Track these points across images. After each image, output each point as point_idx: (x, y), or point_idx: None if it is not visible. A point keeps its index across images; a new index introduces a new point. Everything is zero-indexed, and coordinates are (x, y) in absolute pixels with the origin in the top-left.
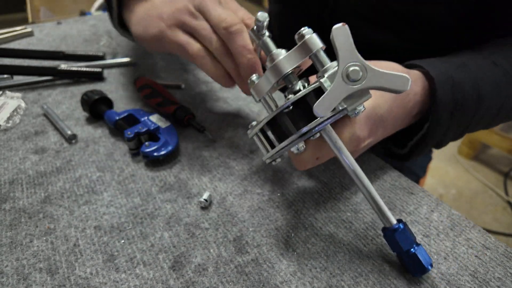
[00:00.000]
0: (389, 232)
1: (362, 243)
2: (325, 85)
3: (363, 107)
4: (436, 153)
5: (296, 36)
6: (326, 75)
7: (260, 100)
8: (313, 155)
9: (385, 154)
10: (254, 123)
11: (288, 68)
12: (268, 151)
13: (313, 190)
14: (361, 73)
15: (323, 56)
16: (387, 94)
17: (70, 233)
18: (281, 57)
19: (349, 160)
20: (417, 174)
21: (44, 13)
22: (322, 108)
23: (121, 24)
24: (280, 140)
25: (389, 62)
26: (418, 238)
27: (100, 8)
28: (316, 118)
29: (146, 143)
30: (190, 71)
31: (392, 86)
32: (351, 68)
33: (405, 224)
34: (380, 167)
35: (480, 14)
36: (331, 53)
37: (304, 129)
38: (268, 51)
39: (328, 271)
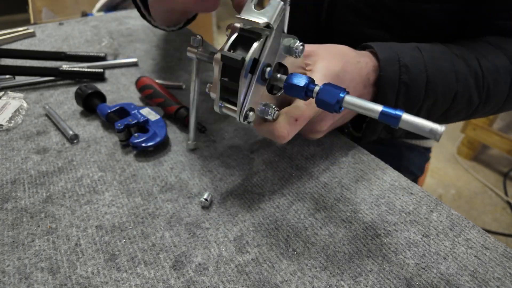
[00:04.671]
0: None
1: (362, 243)
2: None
3: (301, 44)
4: (435, 154)
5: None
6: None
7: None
8: (289, 116)
9: (346, 135)
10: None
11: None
12: (236, 110)
13: (313, 190)
14: None
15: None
16: (336, 57)
17: (72, 233)
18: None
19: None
20: (414, 173)
21: (46, 14)
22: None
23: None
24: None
25: (342, 46)
26: (418, 238)
27: (102, 9)
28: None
29: (135, 134)
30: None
31: None
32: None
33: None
34: (380, 167)
35: (470, 10)
36: None
37: (249, 54)
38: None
39: (328, 271)
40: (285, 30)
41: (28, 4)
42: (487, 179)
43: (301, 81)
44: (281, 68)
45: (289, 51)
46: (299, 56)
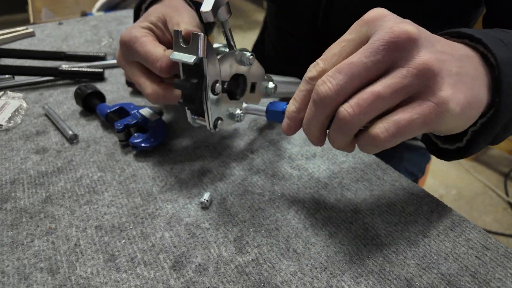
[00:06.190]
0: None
1: (362, 243)
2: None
3: (250, 54)
4: None
5: None
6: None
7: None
8: None
9: (431, 152)
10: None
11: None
12: (206, 120)
13: (313, 191)
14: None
15: None
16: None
17: (71, 233)
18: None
19: None
20: (414, 174)
21: (45, 14)
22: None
23: None
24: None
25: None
26: (418, 239)
27: (102, 9)
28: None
29: (135, 134)
30: None
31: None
32: None
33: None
34: (380, 167)
35: (473, 14)
36: None
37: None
38: None
39: (328, 271)
40: (235, 47)
41: (28, 4)
42: (488, 180)
43: (279, 106)
44: (240, 76)
45: (242, 62)
46: (251, 64)
